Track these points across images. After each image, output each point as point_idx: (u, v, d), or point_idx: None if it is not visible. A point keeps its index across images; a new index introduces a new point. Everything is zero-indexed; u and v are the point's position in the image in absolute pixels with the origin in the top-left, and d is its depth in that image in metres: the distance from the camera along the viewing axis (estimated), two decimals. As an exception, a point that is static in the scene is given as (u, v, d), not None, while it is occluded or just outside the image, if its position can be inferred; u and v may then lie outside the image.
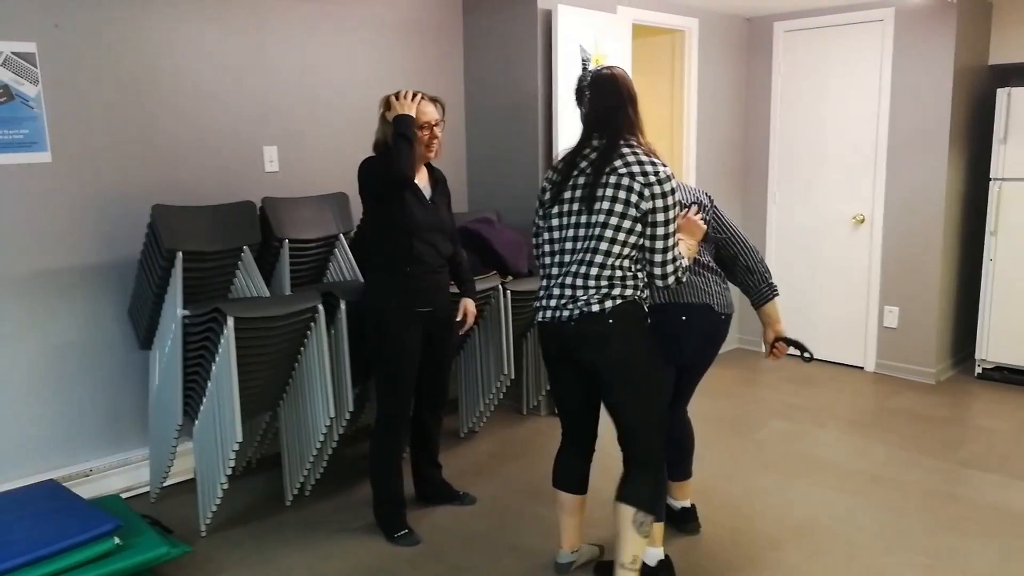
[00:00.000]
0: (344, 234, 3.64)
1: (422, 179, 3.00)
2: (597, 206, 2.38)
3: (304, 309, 3.07)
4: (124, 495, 3.35)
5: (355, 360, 3.22)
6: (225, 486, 3.03)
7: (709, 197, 2.87)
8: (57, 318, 3.25)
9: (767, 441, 4.03)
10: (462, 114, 4.59)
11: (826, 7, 5.06)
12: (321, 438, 3.17)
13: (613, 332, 2.39)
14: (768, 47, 5.40)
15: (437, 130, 2.93)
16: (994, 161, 4.78)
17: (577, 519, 2.76)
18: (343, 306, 3.18)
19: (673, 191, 2.37)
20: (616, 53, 4.43)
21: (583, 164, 2.44)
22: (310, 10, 3.86)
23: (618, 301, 2.38)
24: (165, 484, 3.42)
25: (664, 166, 2.39)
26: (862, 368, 5.24)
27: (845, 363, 5.33)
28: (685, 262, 2.45)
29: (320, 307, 3.12)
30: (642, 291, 2.44)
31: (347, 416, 3.24)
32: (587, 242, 2.41)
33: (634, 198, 2.34)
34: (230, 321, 2.87)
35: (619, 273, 2.39)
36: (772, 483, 3.51)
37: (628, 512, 2.44)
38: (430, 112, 2.91)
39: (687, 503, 3.11)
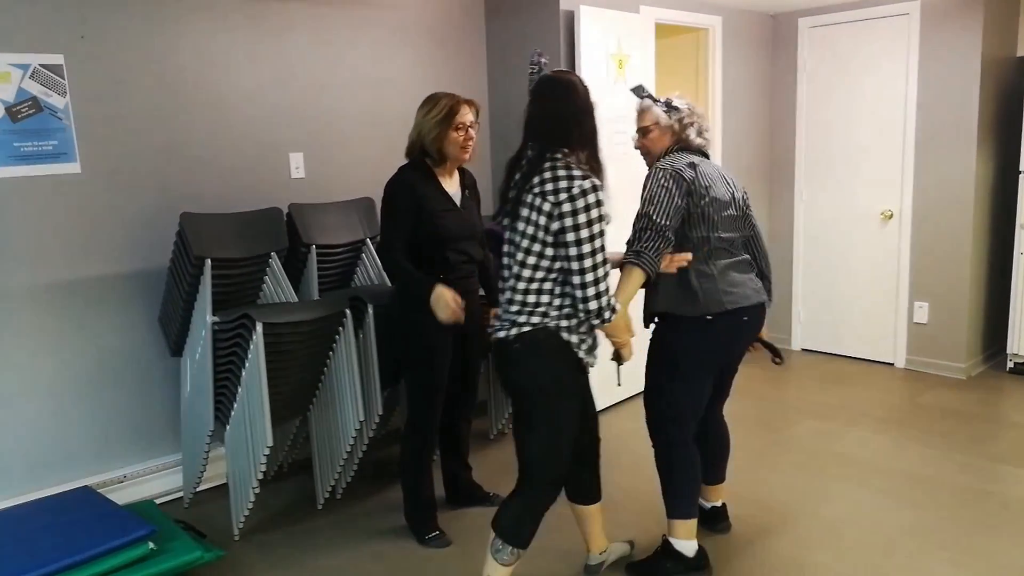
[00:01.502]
0: (371, 239, 3.66)
1: (453, 183, 3.01)
2: (518, 225, 2.29)
3: (332, 314, 3.09)
4: (158, 501, 3.39)
5: (384, 364, 3.23)
6: (257, 490, 3.06)
7: (745, 193, 2.83)
8: (89, 327, 3.30)
9: (798, 440, 4.00)
10: (487, 116, 4.60)
11: (851, 2, 5.02)
12: (351, 441, 3.19)
13: (518, 358, 2.31)
14: (793, 44, 5.36)
15: (472, 131, 2.93)
16: (1023, 154, 4.72)
17: (593, 526, 2.76)
18: (371, 311, 3.20)
19: (590, 208, 2.18)
20: (639, 53, 4.42)
21: (517, 176, 2.34)
22: (334, 16, 3.89)
23: (525, 328, 2.27)
24: (198, 489, 3.46)
25: (585, 180, 2.20)
26: (892, 364, 5.18)
27: (875, 360, 5.28)
28: (614, 300, 2.28)
29: (348, 312, 3.14)
30: (568, 319, 2.29)
31: (376, 419, 3.26)
32: (509, 259, 2.34)
33: (542, 220, 2.21)
34: (259, 327, 2.89)
35: (532, 299, 2.27)
36: (803, 482, 3.48)
37: (491, 535, 2.40)
38: (466, 114, 2.91)
39: (718, 503, 3.09)
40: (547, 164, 2.25)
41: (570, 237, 2.19)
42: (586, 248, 2.19)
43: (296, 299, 3.35)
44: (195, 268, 3.10)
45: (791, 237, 5.55)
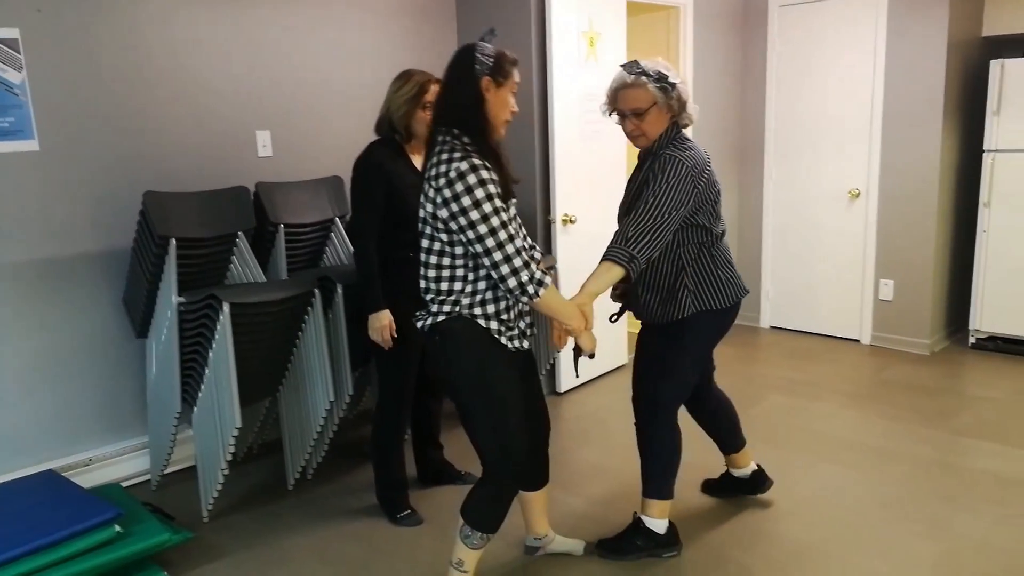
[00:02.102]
0: (340, 218, 3.62)
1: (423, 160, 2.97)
2: (419, 212, 2.24)
3: (300, 294, 3.05)
4: (125, 484, 3.35)
5: (354, 344, 3.21)
6: (226, 472, 3.03)
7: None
8: (51, 308, 3.23)
9: (766, 416, 4.05)
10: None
11: (818, -20, 5.04)
12: (321, 422, 3.17)
13: (440, 351, 2.26)
14: (763, 23, 5.37)
15: None
16: (987, 133, 4.78)
17: (535, 509, 2.71)
18: (340, 290, 3.16)
19: (472, 189, 2.07)
20: (611, 31, 4.40)
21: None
22: (299, -9, 3.82)
23: (440, 318, 2.22)
24: (166, 472, 3.42)
25: (462, 161, 2.09)
26: (858, 341, 5.26)
27: (841, 336, 5.35)
28: (536, 272, 2.16)
29: (317, 292, 3.11)
30: (483, 305, 2.21)
31: (347, 400, 3.24)
32: (420, 241, 2.26)
33: (429, 207, 2.16)
34: (226, 307, 2.85)
35: (445, 286, 2.21)
36: (773, 456, 3.53)
37: (460, 521, 2.38)
38: (436, 91, 2.86)
39: (753, 466, 3.13)
40: (437, 147, 2.17)
41: (462, 222, 2.09)
42: (482, 229, 2.08)
43: (264, 279, 3.31)
44: (159, 248, 3.05)
45: (760, 216, 5.59)
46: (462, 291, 2.21)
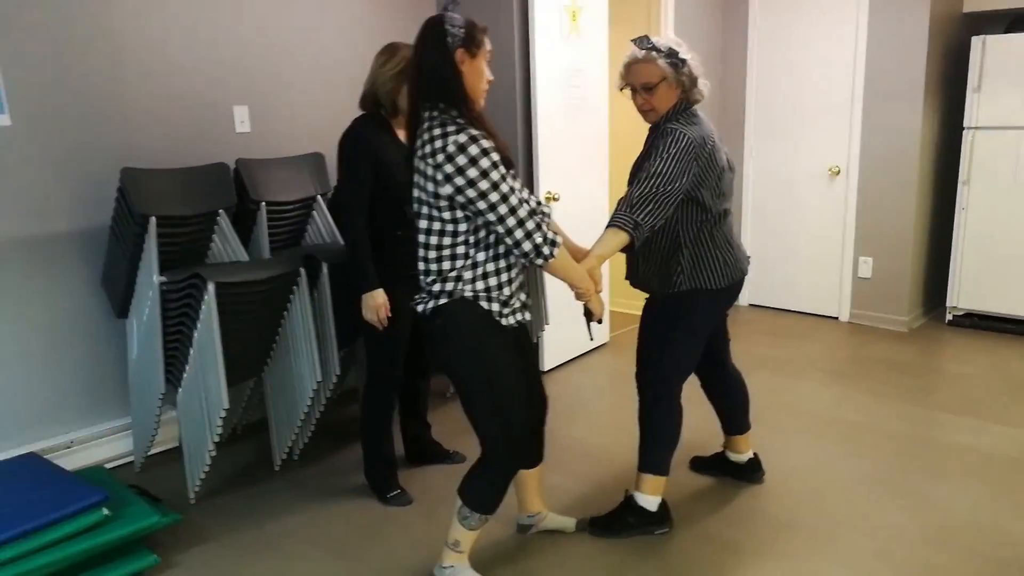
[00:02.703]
0: (322, 195, 3.56)
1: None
2: (413, 192, 2.19)
3: (286, 273, 3.01)
4: (108, 466, 3.30)
5: (340, 322, 3.17)
6: (213, 453, 2.99)
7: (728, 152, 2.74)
8: (28, 289, 3.15)
9: (750, 393, 4.05)
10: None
11: (801, -44, 5.02)
12: (308, 402, 3.14)
13: (442, 335, 2.23)
14: (745, 0, 5.36)
15: None
16: (968, 110, 4.82)
17: (529, 487, 2.72)
18: (325, 269, 3.12)
19: (476, 160, 2.03)
20: (593, 5, 4.35)
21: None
22: (278, -38, 3.73)
23: (442, 300, 2.18)
24: (149, 453, 3.37)
25: (459, 133, 2.05)
26: (837, 318, 5.32)
27: (821, 314, 5.41)
28: (549, 233, 2.15)
29: (302, 270, 3.06)
30: (486, 282, 2.19)
31: (333, 380, 3.20)
32: (417, 221, 2.20)
33: (430, 186, 2.10)
34: (211, 287, 2.80)
35: (446, 265, 2.17)
36: (757, 433, 3.55)
37: (458, 502, 2.36)
38: None
39: (750, 454, 3.14)
40: (425, 124, 2.13)
41: (471, 194, 2.05)
42: (494, 197, 2.05)
43: (247, 258, 3.25)
44: (138, 227, 2.97)
45: (740, 194, 5.60)
46: (463, 268, 2.18)
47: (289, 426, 3.27)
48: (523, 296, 2.35)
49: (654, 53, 2.53)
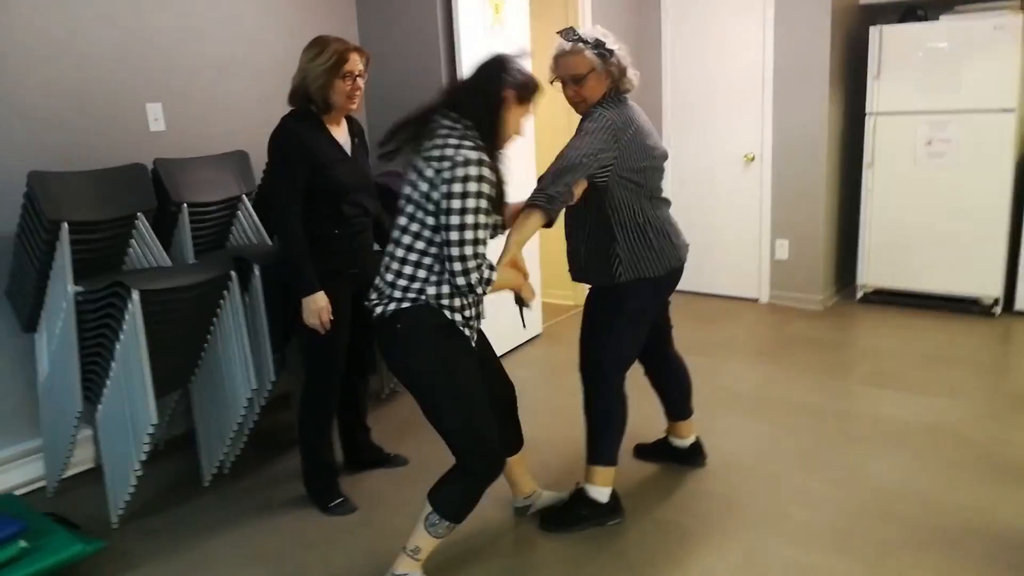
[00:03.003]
0: (247, 195, 3.41)
1: (342, 132, 2.83)
2: (405, 189, 2.17)
3: (216, 277, 2.85)
4: (17, 492, 3.06)
5: (273, 325, 3.04)
6: (139, 472, 2.81)
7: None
8: (-78, 304, 2.89)
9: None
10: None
11: (710, -53, 5.12)
12: (242, 412, 2.99)
13: (401, 340, 2.19)
14: (656, -11, 5.42)
15: (360, 81, 2.75)
16: (869, 96, 5.03)
17: (518, 471, 2.75)
18: (257, 271, 2.98)
19: (469, 179, 2.06)
20: (513, -4, 4.32)
21: (410, 128, 2.22)
22: (185, -50, 3.53)
23: (404, 304, 2.16)
24: (63, 477, 3.15)
25: (472, 151, 2.08)
26: (757, 300, 5.48)
27: (741, 296, 5.56)
28: (487, 272, 2.15)
29: (233, 274, 2.92)
30: (450, 297, 2.18)
31: (269, 386, 3.07)
32: (398, 218, 2.19)
33: (425, 186, 2.11)
34: (135, 295, 2.63)
35: (408, 271, 2.16)
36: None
37: (427, 508, 2.30)
38: (356, 63, 2.72)
39: (693, 438, 3.17)
40: (444, 129, 2.14)
41: (444, 205, 2.07)
42: (456, 220, 2.06)
43: (169, 263, 3.07)
44: (49, 233, 2.77)
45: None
46: (426, 280, 2.16)
47: (220, 438, 3.11)
48: (481, 307, 2.34)
49: (581, 44, 2.53)
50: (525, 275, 2.41)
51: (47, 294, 2.92)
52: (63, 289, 2.77)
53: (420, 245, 2.14)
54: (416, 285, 2.16)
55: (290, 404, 3.51)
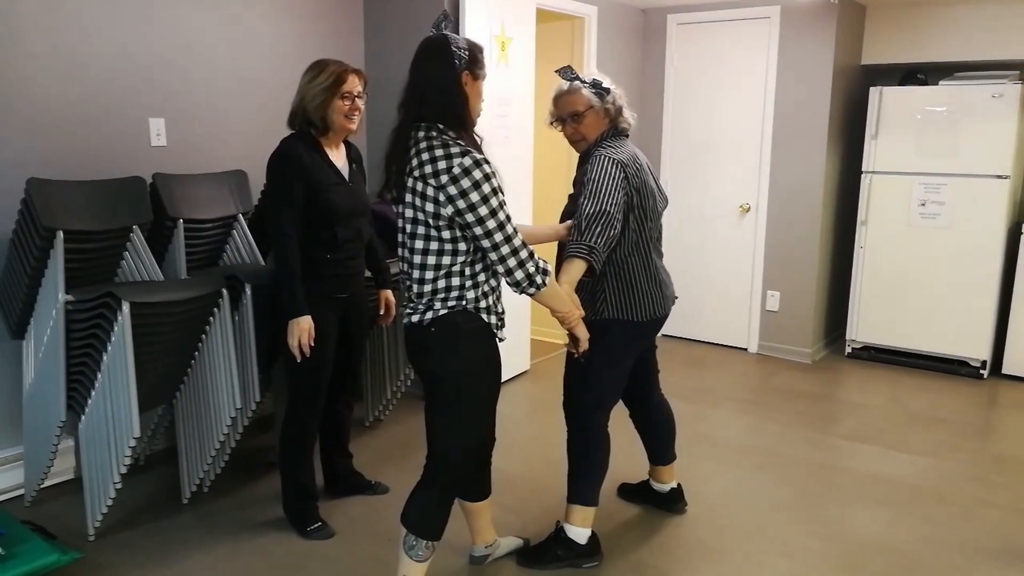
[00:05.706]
0: (244, 214, 3.43)
1: (340, 156, 2.86)
2: (405, 212, 2.15)
3: (207, 294, 2.86)
4: (-5, 500, 3.04)
5: (259, 345, 3.04)
6: (119, 486, 2.79)
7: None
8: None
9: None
10: (361, 92, 4.43)
11: (717, 2, 5.24)
12: (225, 431, 2.98)
13: (435, 343, 2.17)
14: (662, 38, 5.53)
15: (359, 102, 2.79)
16: (866, 155, 5.11)
17: (482, 520, 2.70)
18: (248, 291, 2.99)
19: (479, 184, 2.03)
20: (521, 37, 4.40)
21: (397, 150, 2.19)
22: (201, -27, 3.60)
23: (442, 312, 2.14)
24: (42, 486, 3.12)
25: (464, 157, 2.04)
26: (746, 349, 5.50)
27: (730, 345, 5.58)
28: (540, 262, 2.16)
29: (224, 291, 2.93)
30: (487, 298, 2.18)
31: (253, 406, 3.06)
32: (409, 244, 2.17)
33: (429, 206, 2.07)
34: (125, 307, 2.63)
35: (443, 284, 2.13)
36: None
37: (402, 532, 2.28)
38: (354, 84, 2.76)
39: (673, 484, 3.15)
40: (423, 143, 2.09)
41: (469, 218, 2.04)
42: (491, 224, 2.05)
43: (161, 277, 3.08)
44: (44, 240, 2.78)
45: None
46: (463, 286, 2.15)
47: (201, 456, 3.09)
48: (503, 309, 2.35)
49: (578, 83, 2.62)
50: (578, 308, 2.38)
51: (37, 301, 2.92)
52: (54, 297, 2.78)
53: (446, 260, 2.12)
54: (454, 295, 2.15)
55: (273, 425, 3.49)
